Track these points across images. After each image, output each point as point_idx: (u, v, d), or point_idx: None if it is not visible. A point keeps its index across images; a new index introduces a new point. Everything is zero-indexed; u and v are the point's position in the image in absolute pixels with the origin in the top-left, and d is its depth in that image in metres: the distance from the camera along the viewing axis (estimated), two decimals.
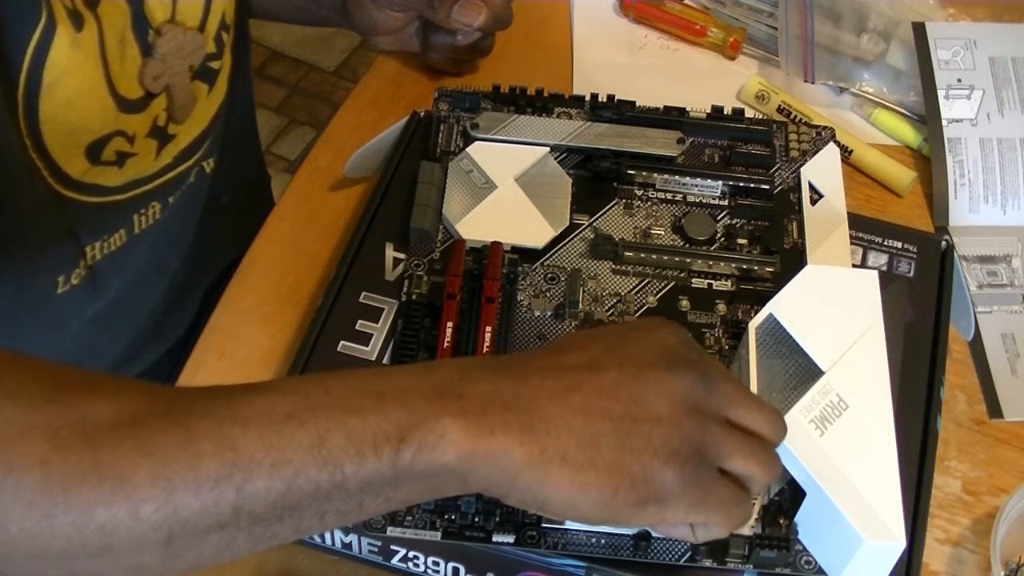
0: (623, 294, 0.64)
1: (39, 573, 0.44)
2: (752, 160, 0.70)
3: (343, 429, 0.44)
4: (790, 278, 0.59)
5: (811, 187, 0.69)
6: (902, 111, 0.86)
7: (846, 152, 0.83)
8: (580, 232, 0.67)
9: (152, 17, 0.66)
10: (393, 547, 0.59)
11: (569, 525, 0.55)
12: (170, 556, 0.43)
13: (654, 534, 0.55)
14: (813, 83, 0.87)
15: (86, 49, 0.61)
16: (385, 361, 0.62)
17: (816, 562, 0.55)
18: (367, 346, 0.63)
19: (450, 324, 0.60)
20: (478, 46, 0.82)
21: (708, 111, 0.72)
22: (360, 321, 0.63)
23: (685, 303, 0.64)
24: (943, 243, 0.70)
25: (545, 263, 0.65)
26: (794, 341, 0.56)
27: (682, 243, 0.67)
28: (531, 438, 0.46)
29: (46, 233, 0.66)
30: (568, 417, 0.46)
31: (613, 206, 0.69)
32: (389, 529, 0.55)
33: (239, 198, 0.85)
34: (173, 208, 0.75)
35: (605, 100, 0.72)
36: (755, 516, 0.56)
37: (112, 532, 0.42)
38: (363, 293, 0.65)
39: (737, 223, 0.68)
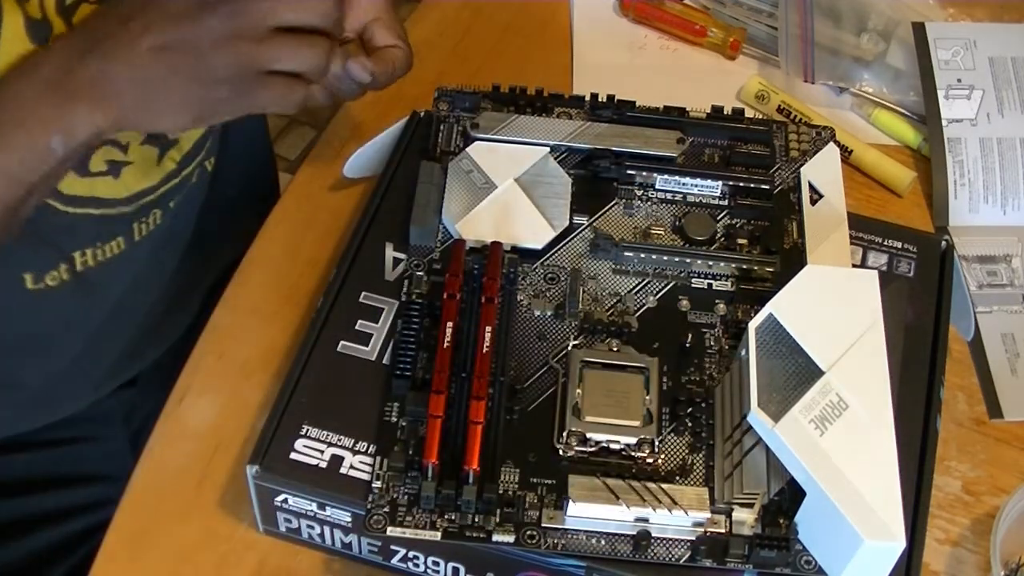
0: (623, 294, 0.64)
1: None
2: (752, 160, 0.70)
3: (20, 152, 0.55)
4: (790, 278, 0.59)
5: (811, 187, 0.69)
6: (902, 111, 0.86)
7: (846, 152, 0.83)
8: (580, 232, 0.67)
9: None
10: (393, 547, 0.59)
11: (569, 525, 0.55)
12: None
13: (654, 534, 0.55)
14: (813, 83, 0.87)
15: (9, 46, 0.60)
16: (385, 361, 0.62)
17: (816, 562, 0.55)
18: (367, 346, 0.63)
19: (450, 324, 0.60)
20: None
21: (708, 111, 0.72)
22: (360, 321, 0.63)
23: (685, 303, 0.64)
24: (943, 243, 0.70)
25: (545, 263, 0.65)
26: (794, 341, 0.56)
27: (682, 243, 0.67)
28: (121, 99, 0.55)
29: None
30: (139, 70, 0.55)
31: (613, 206, 0.69)
32: (389, 529, 0.55)
33: (244, 191, 0.84)
34: (174, 211, 0.74)
35: (605, 100, 0.72)
36: (755, 516, 0.56)
37: None
38: (363, 293, 0.65)
39: (737, 223, 0.68)
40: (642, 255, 0.66)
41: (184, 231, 0.79)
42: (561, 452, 0.58)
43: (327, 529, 0.59)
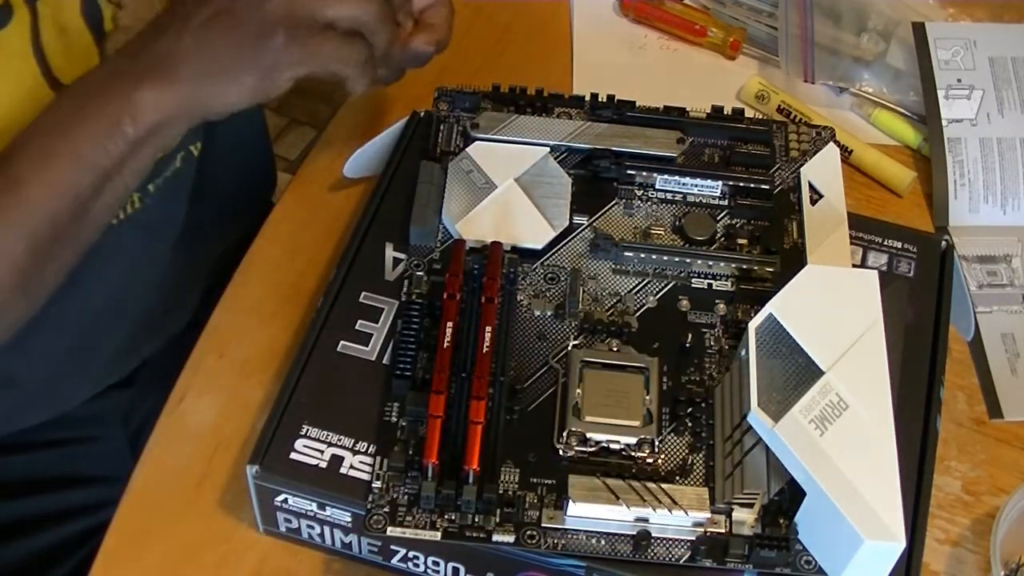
0: (623, 294, 0.64)
1: None
2: (752, 160, 0.70)
3: (88, 137, 0.57)
4: (790, 278, 0.59)
5: (811, 187, 0.69)
6: (902, 111, 0.86)
7: (846, 152, 0.83)
8: (580, 232, 0.67)
9: None
10: (393, 547, 0.59)
11: (569, 525, 0.55)
12: (28, 299, 0.60)
13: (654, 534, 0.55)
14: (813, 83, 0.87)
15: (12, 47, 0.61)
16: (385, 361, 0.62)
17: (816, 562, 0.55)
18: (367, 346, 0.63)
19: (450, 324, 0.60)
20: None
21: (708, 111, 0.72)
22: (360, 321, 0.63)
23: (685, 303, 0.64)
24: (943, 243, 0.70)
25: (545, 263, 0.65)
26: (794, 341, 0.56)
27: (682, 243, 0.67)
28: (171, 68, 0.58)
29: None
30: (199, 49, 0.58)
31: (613, 206, 0.69)
32: (389, 529, 0.55)
33: (238, 180, 0.84)
34: (157, 196, 0.73)
35: (605, 100, 0.72)
36: (755, 516, 0.56)
37: None
38: (363, 293, 0.65)
39: (737, 223, 0.68)
40: (642, 255, 0.66)
41: (174, 219, 0.78)
42: (561, 452, 0.58)
43: (327, 529, 0.59)
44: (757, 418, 0.55)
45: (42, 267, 0.59)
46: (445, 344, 0.59)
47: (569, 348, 0.62)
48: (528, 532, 0.55)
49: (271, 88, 0.59)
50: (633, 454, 0.58)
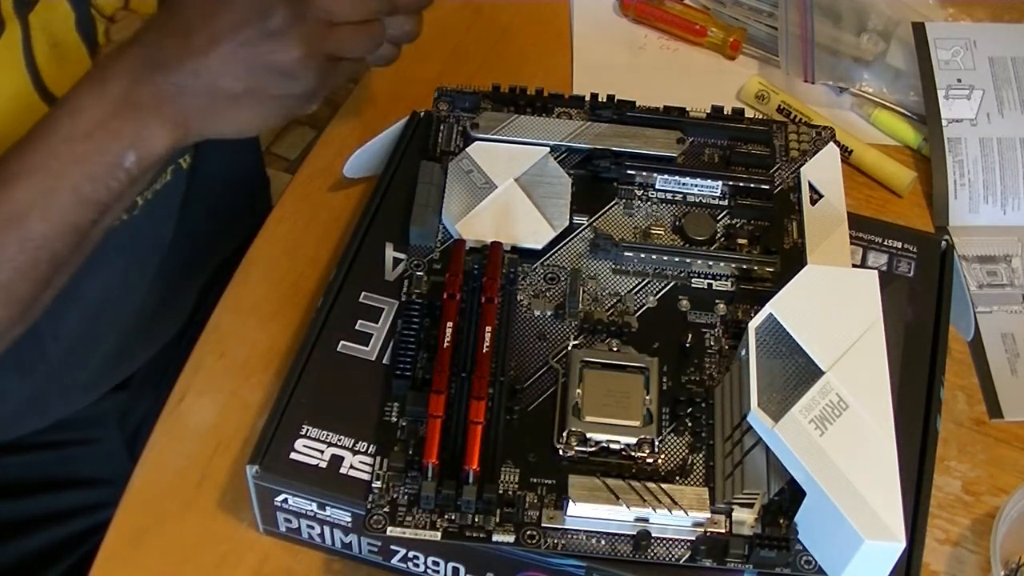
0: (623, 294, 0.64)
1: None
2: (752, 160, 0.70)
3: (92, 176, 0.56)
4: (790, 278, 0.59)
5: (811, 187, 0.69)
6: (902, 111, 0.86)
7: (846, 152, 0.83)
8: (580, 232, 0.67)
9: (102, 6, 0.65)
10: (393, 547, 0.59)
11: (569, 525, 0.55)
12: (24, 320, 0.58)
13: (654, 534, 0.55)
14: (813, 83, 0.87)
15: (1, 60, 0.61)
16: (385, 361, 0.62)
17: (816, 562, 0.55)
18: (367, 346, 0.63)
19: (450, 324, 0.60)
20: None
21: (708, 111, 0.72)
22: (360, 321, 0.63)
23: (685, 303, 0.64)
24: (943, 243, 0.70)
25: (545, 263, 0.65)
26: (794, 341, 0.56)
27: (682, 243, 0.67)
28: (195, 106, 0.56)
29: None
30: (211, 74, 0.56)
31: (613, 206, 0.68)
32: (389, 529, 0.55)
33: (230, 190, 0.84)
34: (146, 208, 0.73)
35: (605, 100, 0.72)
36: (755, 516, 0.56)
37: None
38: (363, 293, 0.65)
39: (737, 223, 0.68)
40: (642, 255, 0.66)
41: (163, 231, 0.77)
42: (561, 452, 0.58)
43: (327, 529, 0.59)
44: (757, 418, 0.55)
45: (41, 295, 0.59)
46: (445, 344, 0.59)
47: (569, 348, 0.62)
48: (528, 532, 0.55)
49: (279, 121, 0.59)
50: (633, 454, 0.58)
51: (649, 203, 0.69)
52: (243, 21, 0.55)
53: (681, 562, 0.55)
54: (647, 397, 0.59)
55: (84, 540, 0.80)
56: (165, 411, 0.67)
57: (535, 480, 0.57)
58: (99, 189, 0.56)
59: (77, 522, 0.81)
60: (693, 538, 0.55)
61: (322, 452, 0.58)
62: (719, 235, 0.67)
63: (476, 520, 0.55)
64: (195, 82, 0.55)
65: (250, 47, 0.55)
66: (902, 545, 0.51)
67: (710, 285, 0.65)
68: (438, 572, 0.59)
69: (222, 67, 0.55)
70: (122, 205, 0.59)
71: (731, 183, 0.69)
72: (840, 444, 0.53)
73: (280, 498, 0.58)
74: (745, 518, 0.56)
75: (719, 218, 0.68)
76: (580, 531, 0.55)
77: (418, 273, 0.64)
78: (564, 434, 0.58)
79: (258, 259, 0.74)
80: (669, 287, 0.65)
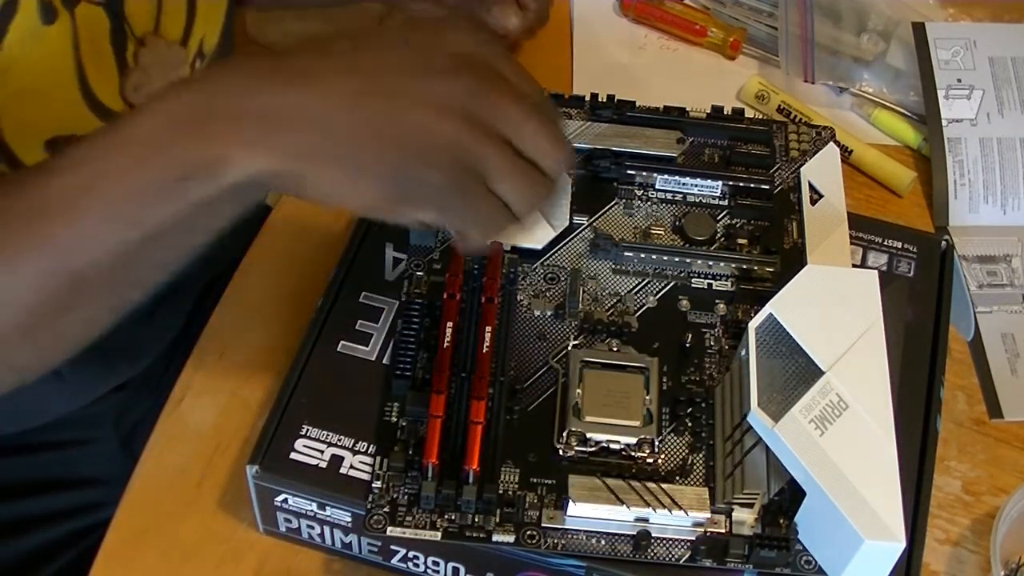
0: (623, 294, 0.64)
1: None
2: (752, 160, 0.70)
3: (134, 188, 0.47)
4: (790, 278, 0.59)
5: (811, 187, 0.69)
6: (902, 111, 0.86)
7: (846, 152, 0.83)
8: (580, 232, 0.67)
9: (134, 25, 0.65)
10: (393, 547, 0.59)
11: (569, 525, 0.55)
12: (37, 349, 0.49)
13: (654, 534, 0.55)
14: (813, 83, 0.87)
15: (54, 45, 0.60)
16: (385, 361, 0.62)
17: (816, 562, 0.55)
18: (367, 346, 0.63)
19: (450, 324, 0.60)
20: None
21: (708, 111, 0.72)
22: (360, 321, 0.63)
23: (685, 303, 0.64)
24: (943, 243, 0.70)
25: (545, 263, 0.65)
26: (794, 341, 0.56)
27: (682, 243, 0.67)
28: (291, 143, 0.46)
29: None
30: (330, 113, 0.46)
31: (613, 206, 0.68)
32: (389, 529, 0.55)
33: None
34: None
35: (605, 100, 0.72)
36: (755, 516, 0.56)
37: None
38: (363, 293, 0.65)
39: (737, 223, 0.68)
40: (642, 255, 0.66)
41: None
42: (561, 452, 0.58)
43: (327, 529, 0.59)
44: (757, 418, 0.55)
45: (55, 316, 0.49)
46: (445, 344, 0.59)
47: (569, 348, 0.62)
48: (528, 532, 0.55)
49: (385, 212, 0.48)
50: (633, 454, 0.58)
51: (649, 203, 0.69)
52: (403, 68, 0.46)
53: (681, 562, 0.55)
54: (647, 397, 0.59)
55: (79, 540, 0.80)
56: (165, 411, 0.67)
57: (535, 480, 0.57)
58: (141, 206, 0.47)
59: (72, 522, 0.81)
60: (693, 538, 0.55)
61: (322, 452, 0.58)
62: (719, 235, 0.67)
63: (476, 520, 0.55)
64: (310, 107, 0.46)
65: (397, 95, 0.46)
66: (902, 545, 0.51)
67: (710, 285, 0.65)
68: (438, 572, 0.59)
69: (353, 102, 0.46)
70: (172, 241, 0.49)
71: (731, 183, 0.69)
72: (840, 444, 0.53)
73: (280, 498, 0.58)
74: (745, 518, 0.56)
75: (719, 218, 0.68)
76: (580, 531, 0.55)
77: (418, 273, 0.64)
78: (564, 434, 0.58)
79: (258, 259, 0.74)
80: (669, 287, 0.65)
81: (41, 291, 0.47)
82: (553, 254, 0.66)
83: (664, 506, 0.55)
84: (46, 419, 0.79)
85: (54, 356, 0.50)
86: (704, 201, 0.69)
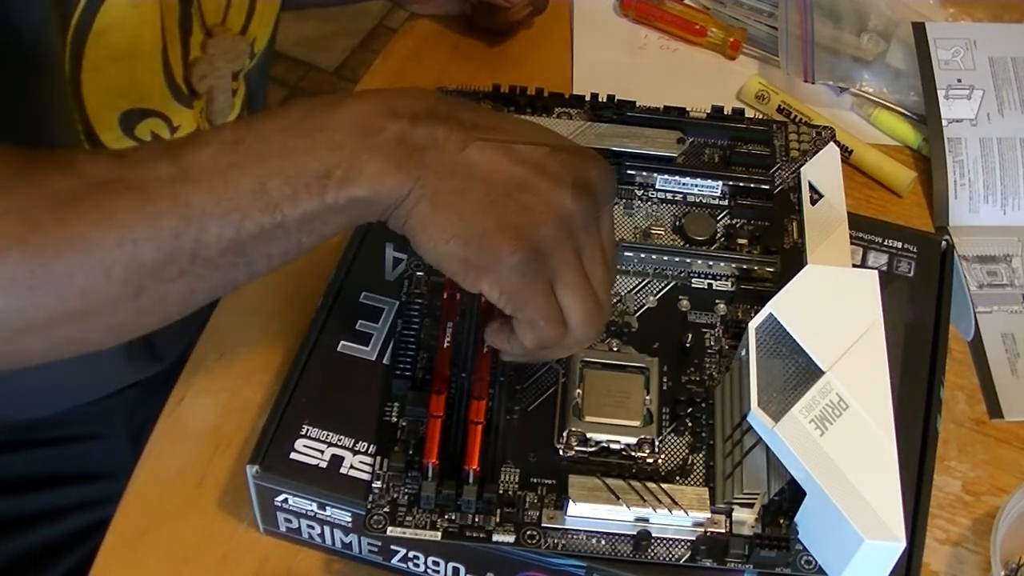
0: (623, 294, 0.64)
1: (25, 345, 0.49)
2: (752, 160, 0.70)
3: (279, 173, 0.48)
4: (790, 278, 0.59)
5: (811, 187, 0.69)
6: (902, 111, 0.86)
7: (846, 152, 0.83)
8: None
9: (206, 15, 0.66)
10: (393, 547, 0.59)
11: (569, 525, 0.55)
12: (140, 311, 0.50)
13: (654, 534, 0.55)
14: (813, 83, 0.87)
15: (144, 13, 0.61)
16: (385, 361, 0.62)
17: (816, 562, 0.55)
18: (367, 346, 0.63)
19: (450, 324, 0.60)
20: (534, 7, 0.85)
21: (708, 111, 0.72)
22: (360, 321, 0.63)
23: (685, 303, 0.64)
24: (943, 243, 0.70)
25: None
26: (794, 341, 0.56)
27: (682, 243, 0.67)
28: (424, 178, 0.49)
29: None
30: (467, 168, 0.50)
31: (613, 206, 0.68)
32: (389, 529, 0.55)
33: None
34: None
35: (605, 100, 0.72)
36: (755, 516, 0.56)
37: (88, 295, 0.48)
38: (363, 293, 0.65)
39: (737, 223, 0.68)
40: (642, 255, 0.66)
41: None
42: (561, 452, 0.58)
43: (327, 529, 0.59)
44: (757, 418, 0.55)
45: (168, 281, 0.49)
46: (445, 344, 0.59)
47: None
48: (528, 532, 0.55)
49: (451, 273, 0.51)
50: (633, 454, 0.58)
51: (649, 203, 0.69)
52: (535, 161, 0.50)
53: (681, 562, 0.55)
54: (647, 397, 0.59)
55: (88, 536, 0.80)
56: (165, 411, 0.67)
57: (535, 480, 0.57)
58: (289, 194, 0.48)
59: (81, 517, 0.81)
60: (693, 538, 0.55)
61: (322, 452, 0.58)
62: (719, 235, 0.67)
63: (476, 520, 0.55)
64: (439, 150, 0.49)
65: (518, 176, 0.50)
66: (902, 545, 0.51)
67: (710, 285, 0.65)
68: (438, 572, 0.59)
69: (471, 163, 0.49)
70: (288, 237, 0.50)
71: (731, 183, 0.69)
72: (840, 444, 0.53)
73: (280, 498, 0.58)
74: (745, 518, 0.56)
75: (719, 218, 0.68)
76: (580, 531, 0.55)
77: (418, 273, 0.64)
78: (564, 434, 0.58)
79: None
80: (669, 287, 0.65)
81: (164, 252, 0.48)
82: None
83: (664, 506, 0.55)
84: (61, 407, 0.79)
85: (149, 321, 0.51)
86: (704, 201, 0.69)
